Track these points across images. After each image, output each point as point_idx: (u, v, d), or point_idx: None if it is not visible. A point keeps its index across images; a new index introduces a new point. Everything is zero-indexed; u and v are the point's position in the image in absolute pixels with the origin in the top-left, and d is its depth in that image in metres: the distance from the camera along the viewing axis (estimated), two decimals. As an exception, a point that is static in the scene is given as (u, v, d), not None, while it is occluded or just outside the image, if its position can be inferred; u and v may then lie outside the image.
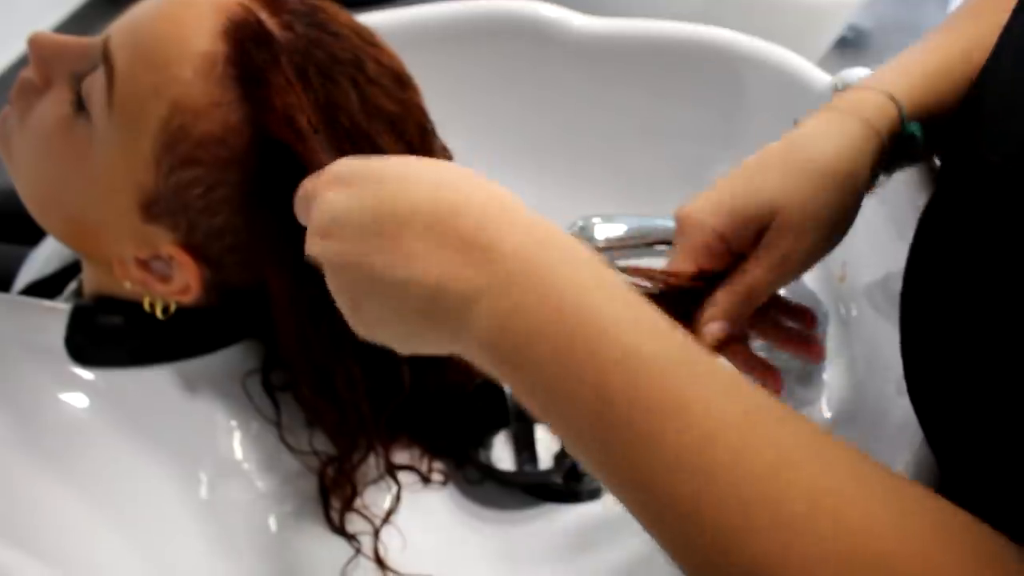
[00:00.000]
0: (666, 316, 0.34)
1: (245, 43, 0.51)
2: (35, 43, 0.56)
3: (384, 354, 0.61)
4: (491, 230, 0.35)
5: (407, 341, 0.39)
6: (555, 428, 0.34)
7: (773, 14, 1.23)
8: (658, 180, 0.84)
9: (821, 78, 0.76)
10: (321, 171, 0.41)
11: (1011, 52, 0.41)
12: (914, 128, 0.52)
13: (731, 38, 0.83)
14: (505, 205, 0.36)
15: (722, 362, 0.34)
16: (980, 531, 0.31)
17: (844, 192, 0.49)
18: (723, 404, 0.32)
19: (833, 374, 0.66)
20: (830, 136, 0.50)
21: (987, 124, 0.40)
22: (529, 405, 0.35)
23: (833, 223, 0.49)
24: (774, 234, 0.48)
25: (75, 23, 3.26)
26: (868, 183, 0.51)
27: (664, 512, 0.31)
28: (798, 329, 0.54)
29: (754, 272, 0.48)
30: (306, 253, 0.40)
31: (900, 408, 0.47)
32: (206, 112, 0.51)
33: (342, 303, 0.39)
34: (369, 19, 0.79)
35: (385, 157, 0.40)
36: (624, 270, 0.49)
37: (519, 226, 0.36)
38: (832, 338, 0.65)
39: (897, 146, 0.52)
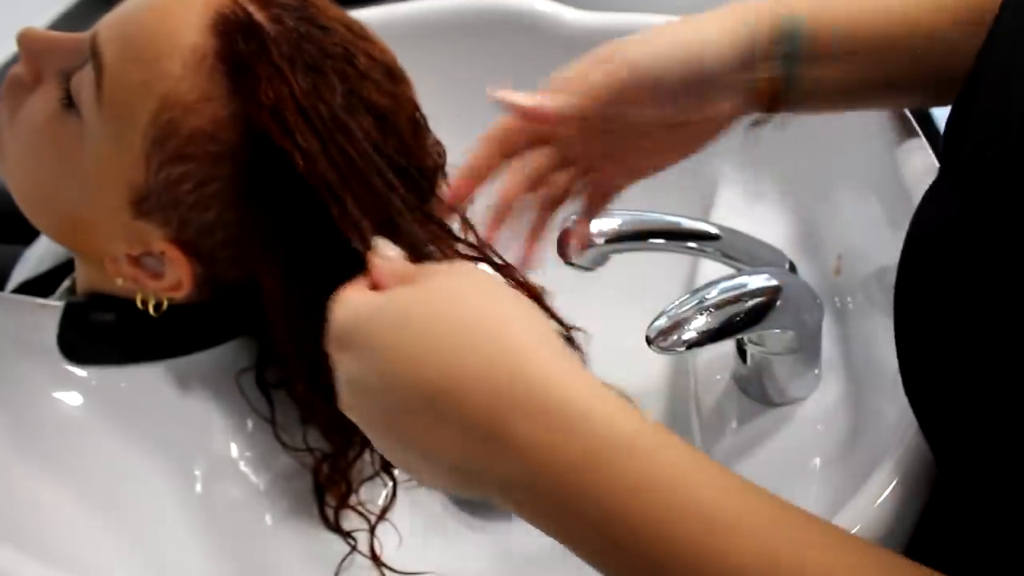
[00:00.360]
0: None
1: (234, 36, 0.51)
2: (24, 39, 0.55)
3: None
4: (503, 420, 0.34)
5: (452, 488, 0.39)
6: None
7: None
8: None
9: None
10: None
11: (1003, 46, 0.41)
12: (795, 26, 0.51)
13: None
14: (525, 377, 0.34)
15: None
16: None
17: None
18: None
19: (828, 367, 0.66)
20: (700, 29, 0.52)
21: (981, 118, 0.40)
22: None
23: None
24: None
25: (69, 20, 3.26)
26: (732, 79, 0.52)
27: None
28: None
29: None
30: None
31: (896, 401, 0.47)
32: (196, 107, 0.51)
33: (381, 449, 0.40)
34: (362, 14, 0.78)
35: (377, 306, 0.38)
36: None
37: (534, 415, 0.33)
38: (827, 331, 0.65)
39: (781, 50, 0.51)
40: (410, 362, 0.35)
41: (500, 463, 0.34)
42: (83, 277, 0.62)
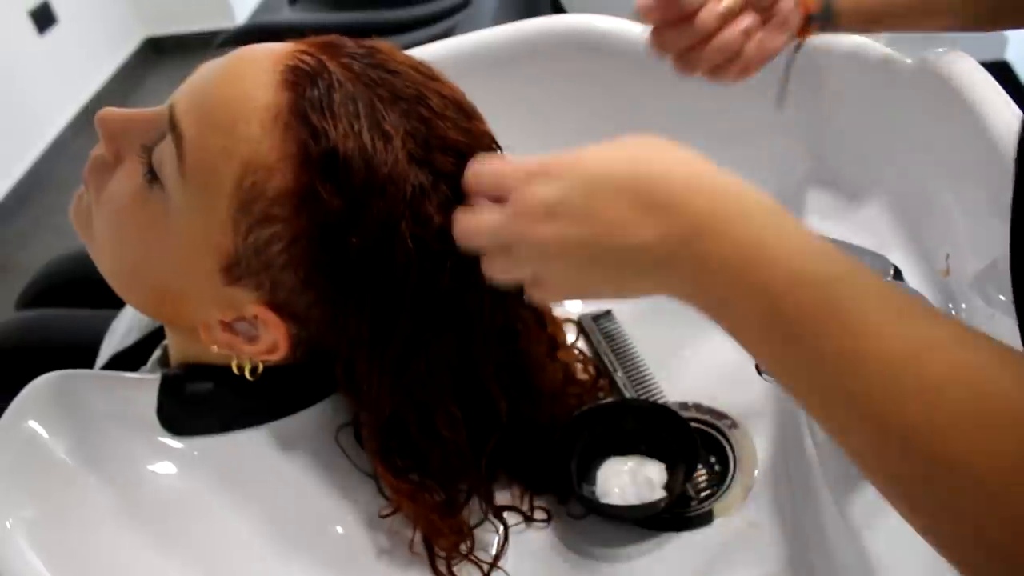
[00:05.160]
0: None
1: (306, 89, 0.50)
2: (102, 120, 0.55)
3: (479, 390, 0.60)
4: (680, 194, 0.42)
5: (619, 293, 0.46)
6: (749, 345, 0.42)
7: None
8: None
9: (900, 58, 0.73)
10: (495, 174, 0.47)
11: None
12: None
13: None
14: (691, 172, 0.43)
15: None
16: None
17: None
18: (879, 311, 0.37)
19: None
20: None
21: None
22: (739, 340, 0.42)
23: None
24: None
25: (124, 76, 3.35)
26: None
27: (828, 394, 0.38)
28: None
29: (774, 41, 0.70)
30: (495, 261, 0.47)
31: None
32: (277, 166, 0.50)
33: (558, 280, 0.46)
34: (425, 52, 0.78)
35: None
36: None
37: (704, 191, 0.42)
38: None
39: None
40: (601, 164, 0.44)
41: (679, 229, 0.41)
42: (176, 347, 0.62)
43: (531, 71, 0.85)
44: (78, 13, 3.05)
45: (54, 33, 2.91)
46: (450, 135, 0.53)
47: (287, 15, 2.18)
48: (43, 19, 2.87)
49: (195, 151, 0.51)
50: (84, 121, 3.02)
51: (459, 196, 0.51)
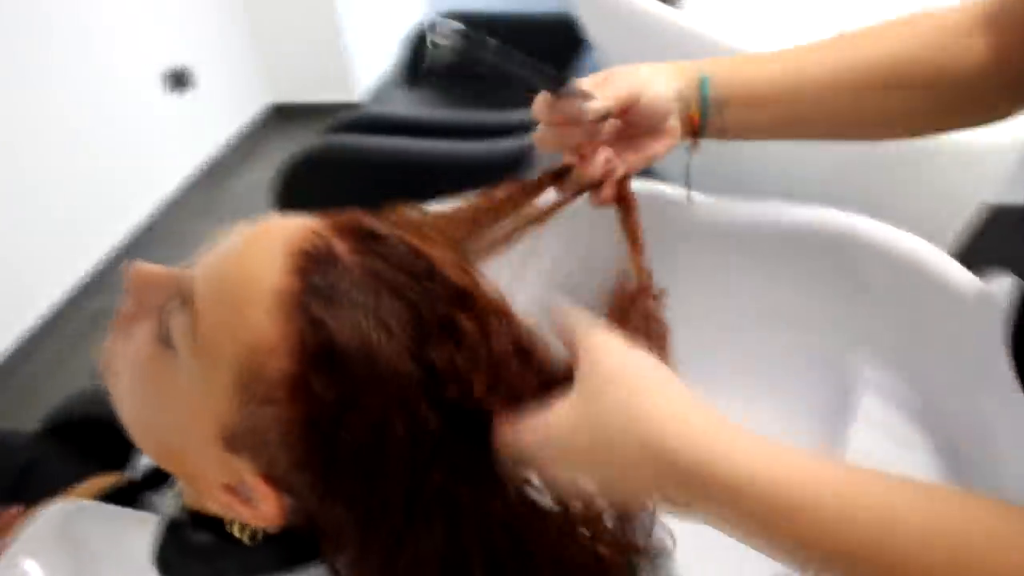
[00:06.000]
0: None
1: (312, 275, 0.51)
2: (131, 274, 0.57)
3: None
4: (673, 452, 0.47)
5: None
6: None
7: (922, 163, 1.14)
8: (774, 368, 0.77)
9: (959, 276, 0.69)
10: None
11: None
12: (704, 86, 0.77)
13: (847, 223, 0.77)
14: (679, 419, 0.48)
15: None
16: None
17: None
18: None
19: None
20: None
21: None
22: None
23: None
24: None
25: (246, 138, 3.51)
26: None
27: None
28: None
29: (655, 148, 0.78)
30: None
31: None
32: (277, 352, 0.50)
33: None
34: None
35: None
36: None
37: (693, 441, 0.48)
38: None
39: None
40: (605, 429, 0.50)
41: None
42: (187, 493, 0.63)
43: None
44: (210, 74, 3.23)
45: (186, 94, 3.09)
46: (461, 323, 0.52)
47: (397, 108, 2.27)
48: (176, 80, 3.04)
49: (205, 323, 0.52)
50: (201, 180, 3.18)
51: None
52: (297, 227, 0.54)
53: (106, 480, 0.76)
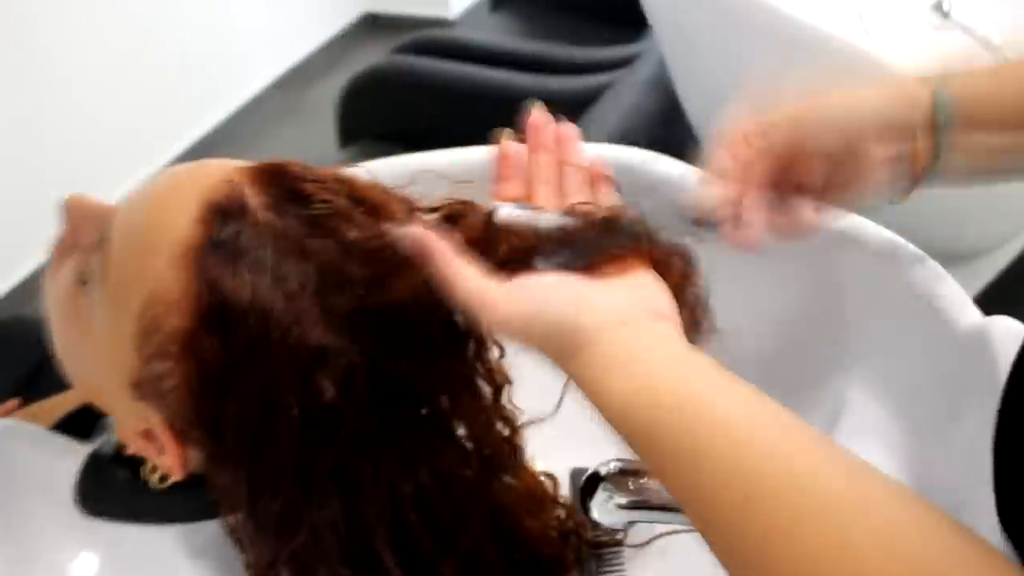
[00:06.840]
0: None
1: (218, 229, 0.48)
2: (66, 206, 0.56)
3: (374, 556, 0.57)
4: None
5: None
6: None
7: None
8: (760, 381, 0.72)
9: (961, 312, 0.63)
10: None
11: None
12: (942, 97, 0.58)
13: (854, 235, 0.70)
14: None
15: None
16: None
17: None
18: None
19: None
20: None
21: None
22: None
23: None
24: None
25: (336, 45, 3.50)
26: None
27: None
28: None
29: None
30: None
31: None
32: (176, 305, 0.48)
33: None
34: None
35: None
36: None
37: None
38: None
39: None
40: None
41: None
42: (117, 427, 0.63)
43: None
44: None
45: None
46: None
47: (472, 33, 2.21)
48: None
49: (115, 268, 0.51)
50: (290, 81, 3.20)
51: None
52: (220, 173, 0.51)
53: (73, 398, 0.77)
